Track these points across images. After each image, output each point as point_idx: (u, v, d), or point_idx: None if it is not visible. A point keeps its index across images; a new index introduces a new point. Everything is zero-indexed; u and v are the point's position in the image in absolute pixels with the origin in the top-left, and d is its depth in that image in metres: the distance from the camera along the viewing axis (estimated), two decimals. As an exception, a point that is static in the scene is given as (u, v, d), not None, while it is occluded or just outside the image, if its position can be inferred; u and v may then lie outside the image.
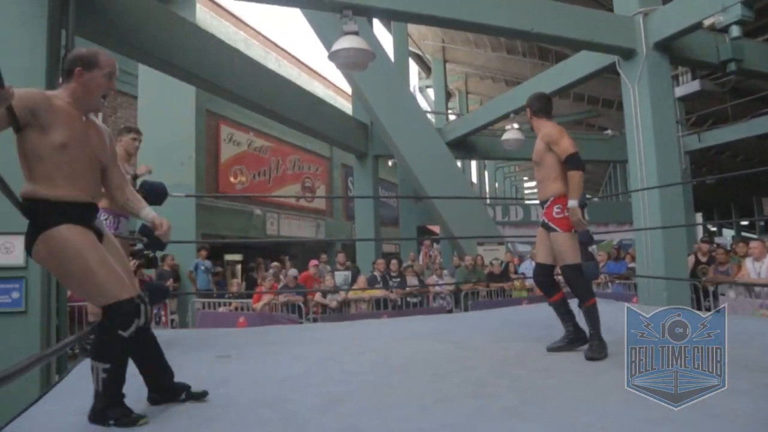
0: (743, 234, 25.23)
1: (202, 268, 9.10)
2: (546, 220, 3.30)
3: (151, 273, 7.42)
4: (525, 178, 32.72)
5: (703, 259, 7.71)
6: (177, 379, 2.28)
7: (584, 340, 3.17)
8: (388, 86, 10.59)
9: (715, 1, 6.72)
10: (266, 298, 7.57)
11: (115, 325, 1.99)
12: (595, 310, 3.11)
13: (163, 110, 10.18)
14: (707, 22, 6.85)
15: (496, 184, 27.30)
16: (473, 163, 24.10)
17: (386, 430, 1.84)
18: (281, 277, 8.02)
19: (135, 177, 3.89)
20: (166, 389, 2.25)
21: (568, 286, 3.32)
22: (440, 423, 1.92)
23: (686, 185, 14.66)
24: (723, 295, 7.09)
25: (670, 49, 7.70)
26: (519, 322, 4.77)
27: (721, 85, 14.67)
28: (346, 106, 16.88)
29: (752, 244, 7.33)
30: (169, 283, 8.27)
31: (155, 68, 7.82)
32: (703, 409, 1.77)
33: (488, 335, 4.05)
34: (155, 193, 3.90)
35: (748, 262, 6.97)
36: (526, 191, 32.97)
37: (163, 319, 8.00)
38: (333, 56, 5.73)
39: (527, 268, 9.03)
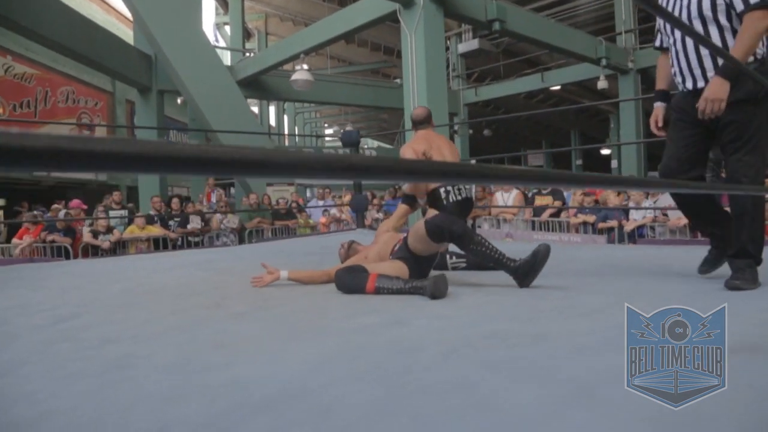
0: (513, 182, 28.69)
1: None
2: None
3: None
4: (326, 125, 33.12)
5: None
6: None
7: None
8: (173, 16, 9.84)
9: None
10: (27, 240, 6.82)
11: None
12: None
13: None
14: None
15: (296, 128, 27.25)
16: (272, 107, 23.74)
17: (76, 353, 1.77)
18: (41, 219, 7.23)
19: None
20: None
21: None
22: (135, 333, 1.94)
23: (464, 136, 16.28)
24: (480, 227, 8.10)
25: (445, 3, 8.30)
26: (291, 252, 4.95)
27: (496, 46, 16.30)
28: (129, 35, 15.36)
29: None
30: None
31: None
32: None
33: (254, 264, 4.12)
34: None
35: (498, 195, 8.00)
36: (327, 139, 33.31)
37: None
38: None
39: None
